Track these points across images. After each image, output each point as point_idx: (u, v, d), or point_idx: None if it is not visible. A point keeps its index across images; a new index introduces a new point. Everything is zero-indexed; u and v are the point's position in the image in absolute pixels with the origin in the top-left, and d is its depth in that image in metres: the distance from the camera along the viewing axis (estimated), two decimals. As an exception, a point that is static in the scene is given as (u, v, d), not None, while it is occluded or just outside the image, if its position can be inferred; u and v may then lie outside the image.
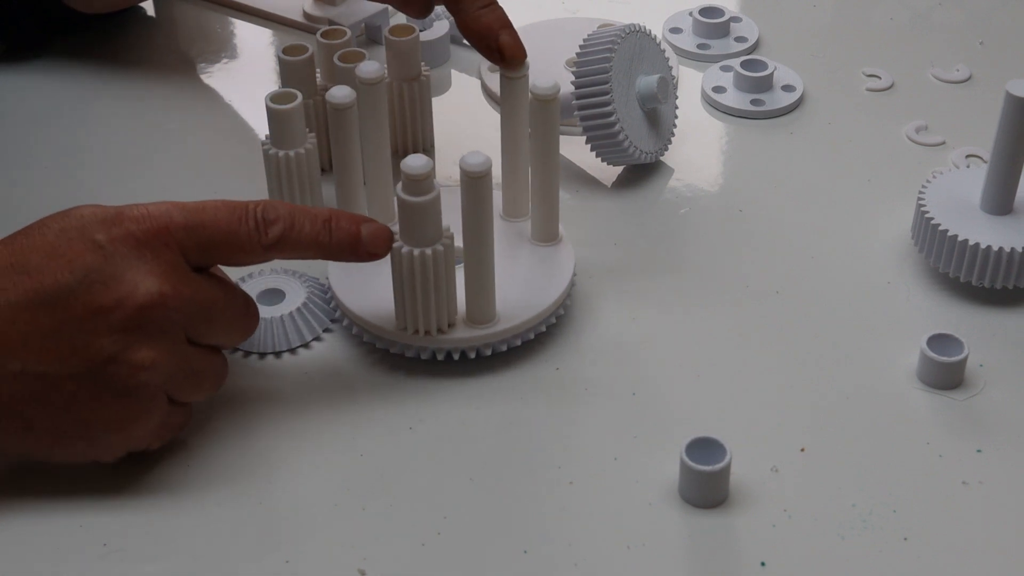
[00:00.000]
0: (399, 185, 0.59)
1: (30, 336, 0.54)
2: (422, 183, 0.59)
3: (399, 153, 0.77)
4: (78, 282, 0.54)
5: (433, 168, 0.59)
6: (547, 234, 0.68)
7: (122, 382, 0.55)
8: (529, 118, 0.66)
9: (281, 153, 0.71)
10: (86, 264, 0.54)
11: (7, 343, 0.54)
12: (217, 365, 0.59)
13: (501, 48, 0.67)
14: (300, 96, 0.70)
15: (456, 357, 0.64)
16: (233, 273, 0.68)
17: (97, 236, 0.55)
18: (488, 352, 0.64)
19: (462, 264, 0.63)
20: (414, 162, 0.59)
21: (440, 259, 0.61)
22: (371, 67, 0.66)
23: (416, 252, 0.60)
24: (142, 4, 0.93)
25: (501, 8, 0.69)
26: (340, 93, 0.65)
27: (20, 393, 0.54)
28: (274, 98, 0.70)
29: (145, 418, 0.56)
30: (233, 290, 0.59)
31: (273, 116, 0.70)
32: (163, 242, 0.56)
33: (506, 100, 0.67)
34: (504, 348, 0.64)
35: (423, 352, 0.64)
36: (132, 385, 0.55)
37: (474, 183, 0.59)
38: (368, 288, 0.65)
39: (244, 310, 0.60)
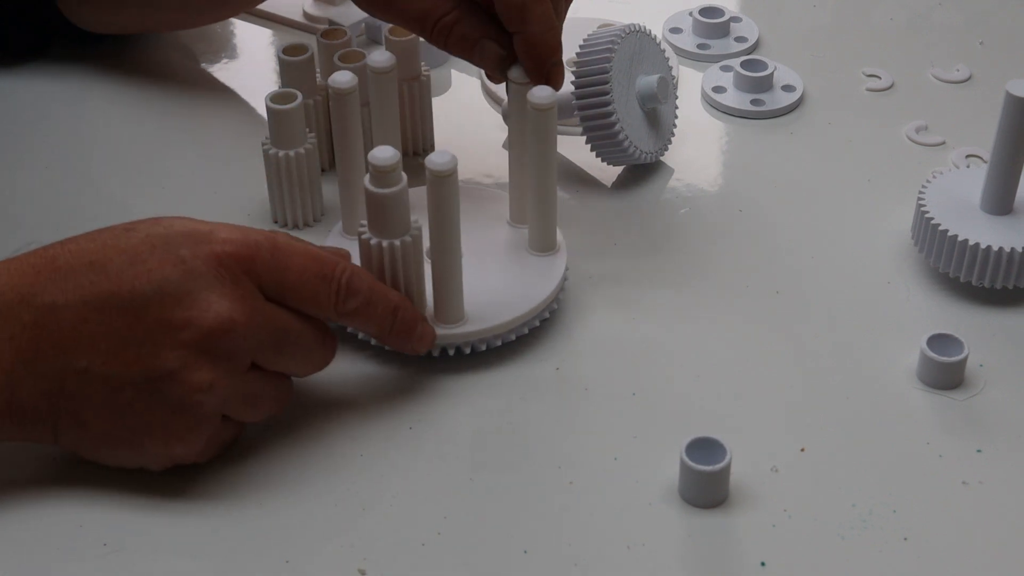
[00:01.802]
0: (366, 176, 0.59)
1: (99, 337, 0.54)
2: (389, 175, 0.58)
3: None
4: (154, 292, 0.54)
5: (400, 160, 0.59)
6: (544, 245, 0.67)
7: (177, 398, 0.55)
8: (527, 128, 0.65)
9: (281, 153, 0.71)
10: (165, 276, 0.54)
11: (77, 340, 0.54)
12: (279, 390, 0.59)
13: (551, 75, 0.66)
14: (300, 96, 0.70)
15: (452, 353, 0.63)
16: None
17: (182, 251, 0.55)
18: (483, 348, 0.64)
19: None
20: (381, 153, 0.58)
21: (408, 251, 0.61)
22: (382, 56, 0.66)
23: (385, 244, 0.60)
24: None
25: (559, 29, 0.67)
26: (342, 78, 0.64)
27: (81, 392, 0.55)
28: (274, 98, 0.70)
29: (193, 435, 0.56)
30: (309, 323, 0.58)
31: (273, 116, 0.70)
32: (244, 270, 0.55)
33: (515, 106, 0.67)
34: (499, 343, 0.64)
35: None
36: (187, 403, 0.55)
37: (439, 182, 0.59)
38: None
39: (318, 344, 0.59)
